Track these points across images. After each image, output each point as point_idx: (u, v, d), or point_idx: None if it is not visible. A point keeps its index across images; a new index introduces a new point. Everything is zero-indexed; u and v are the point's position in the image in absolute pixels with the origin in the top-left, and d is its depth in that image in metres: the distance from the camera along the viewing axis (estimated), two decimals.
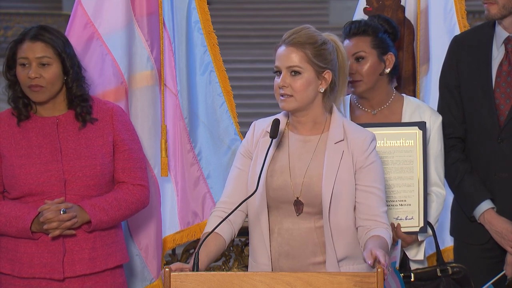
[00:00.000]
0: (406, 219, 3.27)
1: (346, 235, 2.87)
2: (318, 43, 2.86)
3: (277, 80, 2.86)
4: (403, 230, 3.27)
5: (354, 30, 3.38)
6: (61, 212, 3.05)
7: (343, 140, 2.88)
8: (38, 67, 3.11)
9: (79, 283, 3.14)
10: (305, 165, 2.89)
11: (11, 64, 3.16)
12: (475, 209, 3.36)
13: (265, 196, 2.87)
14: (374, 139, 2.92)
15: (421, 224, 3.28)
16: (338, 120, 2.92)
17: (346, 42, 3.39)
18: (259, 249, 2.91)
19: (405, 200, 3.28)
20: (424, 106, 3.45)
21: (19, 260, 3.11)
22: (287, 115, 2.96)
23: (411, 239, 3.30)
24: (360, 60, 3.37)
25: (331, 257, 2.84)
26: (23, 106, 3.16)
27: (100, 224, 3.13)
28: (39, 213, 3.06)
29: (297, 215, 2.87)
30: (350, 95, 3.49)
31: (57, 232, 3.07)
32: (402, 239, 3.24)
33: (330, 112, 2.94)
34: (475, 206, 3.36)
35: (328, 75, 2.87)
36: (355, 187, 2.87)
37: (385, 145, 3.29)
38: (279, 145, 2.92)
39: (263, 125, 2.97)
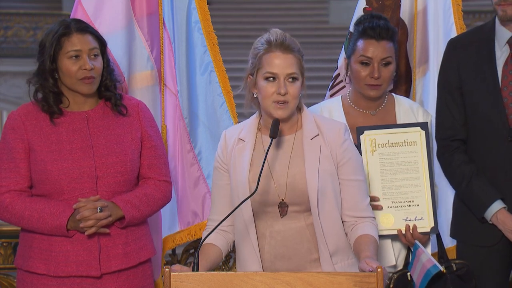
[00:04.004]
0: (415, 219, 3.27)
1: (336, 227, 2.90)
2: (300, 48, 2.92)
3: (270, 87, 2.86)
4: None
5: (383, 34, 3.31)
6: (98, 211, 3.05)
7: (318, 134, 2.92)
8: (90, 59, 3.11)
9: (113, 278, 3.14)
10: (285, 165, 2.91)
11: (55, 57, 3.11)
12: (486, 210, 3.34)
13: (250, 202, 2.88)
14: (347, 128, 2.97)
15: (432, 224, 3.28)
16: (309, 117, 2.96)
17: (367, 43, 3.31)
18: (249, 256, 2.91)
19: (413, 201, 3.28)
20: (415, 105, 3.47)
21: (54, 259, 3.09)
22: (258, 119, 2.99)
23: (425, 239, 3.30)
24: (387, 65, 3.34)
25: (324, 253, 2.87)
26: (54, 101, 3.13)
27: (132, 220, 3.13)
28: (75, 210, 3.06)
29: (281, 217, 2.89)
30: (341, 96, 3.49)
31: (92, 230, 3.06)
32: (419, 240, 3.24)
33: (300, 110, 2.98)
34: (487, 207, 3.33)
35: (304, 78, 2.93)
36: (338, 179, 2.90)
37: (389, 146, 3.29)
38: (254, 150, 2.94)
39: (234, 133, 3.00)
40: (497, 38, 3.39)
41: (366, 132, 3.29)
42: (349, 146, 2.95)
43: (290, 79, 2.87)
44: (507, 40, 3.36)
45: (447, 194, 3.62)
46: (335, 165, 2.91)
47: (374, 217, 2.95)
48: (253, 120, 3.00)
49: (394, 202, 3.29)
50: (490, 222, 3.35)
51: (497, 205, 3.33)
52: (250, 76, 2.94)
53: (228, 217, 2.81)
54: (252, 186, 2.85)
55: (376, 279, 2.52)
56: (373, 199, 3.22)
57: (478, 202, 3.36)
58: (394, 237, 3.31)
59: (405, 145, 3.30)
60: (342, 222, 2.92)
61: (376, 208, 3.23)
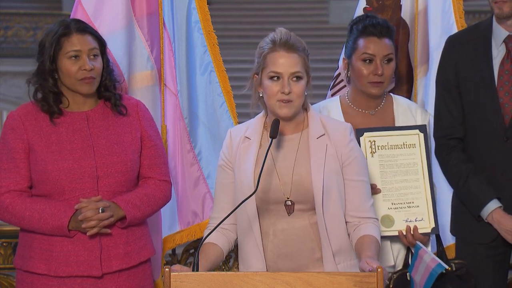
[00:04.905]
0: (416, 220, 3.28)
1: (340, 227, 2.91)
2: (305, 47, 2.93)
3: (275, 86, 2.88)
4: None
5: (384, 31, 3.33)
6: (100, 211, 3.05)
7: (324, 134, 2.94)
8: (90, 59, 3.11)
9: (114, 278, 3.14)
10: (291, 163, 2.92)
11: (55, 57, 3.11)
12: (482, 209, 3.35)
13: (254, 199, 2.88)
14: (352, 129, 2.99)
15: (432, 225, 3.29)
16: (315, 116, 2.98)
17: (369, 40, 3.32)
18: (253, 254, 2.91)
19: (413, 202, 3.29)
20: (413, 105, 3.49)
21: (55, 259, 3.09)
22: (264, 117, 2.99)
23: (426, 239, 3.31)
24: (389, 62, 3.34)
25: (327, 252, 2.87)
26: (53, 101, 3.13)
27: (133, 220, 3.14)
28: (76, 211, 3.06)
29: (289, 215, 2.89)
30: (339, 96, 3.49)
31: (95, 230, 3.06)
32: (420, 241, 3.24)
33: (306, 109, 2.99)
34: (483, 206, 3.35)
35: (310, 77, 2.94)
36: (343, 179, 2.91)
37: (388, 148, 3.30)
38: (260, 148, 2.95)
39: (240, 132, 3.01)
40: (494, 37, 3.39)
41: (366, 133, 3.30)
42: (354, 146, 2.96)
43: (294, 78, 2.88)
44: (503, 39, 3.37)
45: (447, 193, 3.62)
46: (340, 164, 2.92)
47: (377, 219, 2.96)
48: (259, 119, 3.01)
49: (394, 204, 3.30)
50: (486, 221, 3.36)
51: (493, 204, 3.34)
52: (255, 75, 2.96)
53: (230, 216, 2.81)
54: (256, 185, 2.85)
55: (376, 279, 2.52)
56: (372, 186, 3.22)
57: (475, 200, 3.38)
58: (393, 238, 3.32)
59: (404, 148, 3.31)
60: (346, 222, 2.92)
61: (375, 192, 3.24)
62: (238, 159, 2.96)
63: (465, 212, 3.44)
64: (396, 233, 3.28)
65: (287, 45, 2.88)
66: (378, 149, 3.30)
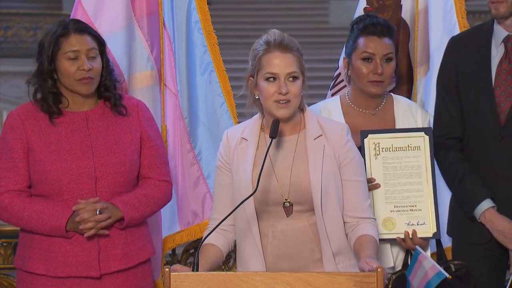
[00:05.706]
0: (418, 224, 3.26)
1: (338, 228, 2.90)
2: (299, 47, 2.93)
3: (271, 87, 2.87)
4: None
5: (385, 31, 3.34)
6: (97, 213, 3.04)
7: (321, 135, 2.93)
8: (88, 59, 3.11)
9: (113, 279, 3.14)
10: (289, 164, 2.91)
11: (54, 58, 3.10)
12: (475, 208, 3.36)
13: (253, 201, 2.88)
14: (348, 130, 2.99)
15: (434, 230, 3.26)
16: (312, 117, 2.98)
17: (369, 39, 3.34)
18: (252, 256, 2.91)
19: (415, 205, 3.28)
20: (414, 105, 3.49)
21: (53, 259, 3.09)
22: (261, 119, 2.99)
23: (426, 243, 3.30)
24: (389, 61, 3.35)
25: (327, 252, 2.87)
26: (53, 102, 3.13)
27: (132, 221, 3.14)
28: (74, 212, 3.05)
29: (287, 216, 2.89)
30: (339, 95, 3.49)
31: (92, 232, 3.06)
32: (419, 245, 3.22)
33: (302, 110, 2.98)
34: (476, 205, 3.35)
35: (305, 77, 2.94)
36: (341, 180, 2.90)
37: (392, 150, 3.29)
38: (257, 150, 2.94)
39: (236, 133, 3.01)
40: (494, 37, 3.41)
41: (370, 135, 3.29)
42: (351, 147, 2.96)
43: (291, 78, 2.87)
44: (502, 39, 3.38)
45: (446, 194, 3.62)
46: (337, 165, 2.91)
47: (375, 219, 2.96)
48: (255, 120, 3.01)
49: (396, 206, 3.28)
50: (479, 221, 3.36)
51: (486, 204, 3.34)
52: (250, 78, 2.95)
53: (229, 217, 2.81)
54: (254, 185, 2.85)
55: (376, 279, 2.51)
56: (370, 181, 3.22)
57: (468, 200, 3.38)
58: (393, 240, 3.31)
59: (408, 150, 3.30)
60: (344, 223, 2.92)
61: (375, 187, 3.24)
62: (236, 160, 2.96)
63: (462, 212, 3.44)
64: (397, 236, 3.26)
65: (281, 46, 2.88)
66: (382, 151, 3.29)
